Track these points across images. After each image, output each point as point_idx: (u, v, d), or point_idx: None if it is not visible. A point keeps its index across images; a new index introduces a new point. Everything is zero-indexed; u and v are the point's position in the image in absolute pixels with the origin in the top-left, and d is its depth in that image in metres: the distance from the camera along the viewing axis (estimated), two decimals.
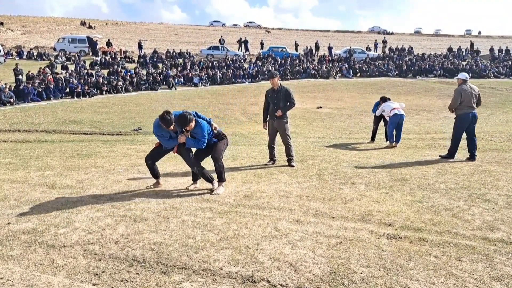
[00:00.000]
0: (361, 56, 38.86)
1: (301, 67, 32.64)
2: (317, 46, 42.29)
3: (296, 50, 42.01)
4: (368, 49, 44.11)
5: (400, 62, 35.56)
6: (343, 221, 4.39)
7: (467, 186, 5.80)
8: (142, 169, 6.89)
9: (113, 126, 14.82)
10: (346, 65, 34.52)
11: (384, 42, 46.47)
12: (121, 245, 3.75)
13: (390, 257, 3.52)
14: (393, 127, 9.99)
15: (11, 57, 34.71)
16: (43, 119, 16.12)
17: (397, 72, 33.89)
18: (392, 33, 68.64)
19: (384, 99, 10.52)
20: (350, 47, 40.85)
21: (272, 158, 7.40)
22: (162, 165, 7.00)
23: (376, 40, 48.29)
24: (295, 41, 44.52)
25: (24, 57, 35.26)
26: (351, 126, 15.21)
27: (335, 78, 31.70)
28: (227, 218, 4.44)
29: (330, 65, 34.43)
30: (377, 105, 10.86)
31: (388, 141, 10.14)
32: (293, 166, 7.09)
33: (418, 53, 41.30)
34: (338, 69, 33.61)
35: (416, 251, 3.64)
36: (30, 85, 21.42)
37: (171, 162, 7.48)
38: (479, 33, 70.92)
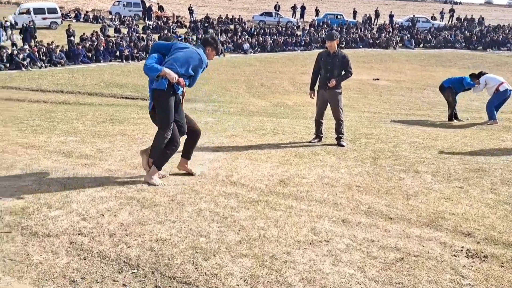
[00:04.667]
0: (425, 26, 35.78)
1: (357, 35, 30.53)
2: (377, 14, 39.48)
3: (354, 17, 39.48)
4: (434, 18, 40.62)
5: (469, 33, 32.37)
6: (405, 225, 3.35)
7: None
8: None
9: None
10: (408, 35, 31.89)
11: (451, 11, 42.60)
12: (115, 240, 2.97)
13: None
14: (497, 103, 8.91)
15: (68, 19, 35.16)
16: (89, 81, 15.88)
17: (465, 44, 30.90)
18: (460, 3, 63.24)
19: (479, 75, 9.14)
20: (414, 16, 37.75)
21: (318, 134, 6.36)
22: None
23: (442, 8, 44.42)
24: (354, 8, 41.86)
25: (81, 19, 35.67)
26: (411, 101, 13.67)
27: (395, 48, 29.35)
28: (254, 210, 3.55)
29: (390, 34, 31.96)
30: (460, 81, 9.28)
31: (490, 120, 8.96)
32: (342, 146, 6.03)
33: (490, 24, 37.48)
34: (399, 38, 31.12)
35: None
36: (81, 47, 21.39)
37: (204, 134, 6.64)
38: None
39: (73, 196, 3.76)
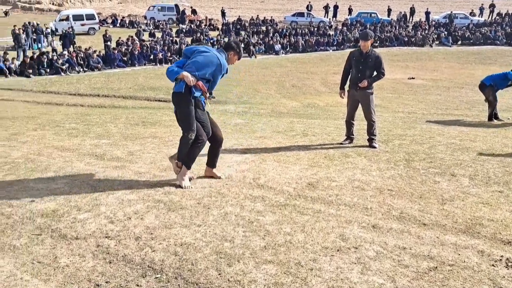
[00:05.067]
0: (464, 22, 34.56)
1: (392, 33, 29.83)
2: (412, 11, 38.45)
3: (389, 15, 38.64)
4: (473, 14, 39.15)
5: (511, 29, 30.97)
6: (440, 232, 3.19)
7: None
8: None
9: None
10: (445, 32, 30.88)
11: (492, 6, 40.88)
12: (141, 243, 2.98)
13: None
14: None
15: (106, 24, 36.20)
16: (124, 85, 16.27)
17: (506, 40, 29.59)
18: None
19: None
20: (451, 12, 36.53)
21: (349, 136, 6.20)
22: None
23: (482, 4, 42.74)
24: (388, 6, 40.97)
25: (118, 25, 36.65)
26: (448, 101, 13.19)
27: (431, 46, 28.48)
28: (280, 214, 3.47)
29: (427, 31, 31.05)
30: (503, 77, 8.89)
31: None
32: (375, 148, 5.85)
33: None
34: (436, 36, 30.18)
35: None
36: (117, 51, 21.97)
37: (233, 136, 6.63)
38: None
39: (102, 198, 3.82)
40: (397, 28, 32.05)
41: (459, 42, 29.93)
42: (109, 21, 37.34)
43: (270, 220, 3.34)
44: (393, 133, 6.98)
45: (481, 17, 39.36)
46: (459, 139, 6.47)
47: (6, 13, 38.14)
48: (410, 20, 37.42)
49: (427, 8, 38.56)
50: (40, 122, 8.33)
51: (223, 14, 37.62)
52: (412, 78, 18.03)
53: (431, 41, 29.08)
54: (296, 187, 4.14)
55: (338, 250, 2.87)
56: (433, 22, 34.28)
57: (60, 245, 2.97)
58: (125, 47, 22.95)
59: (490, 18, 38.26)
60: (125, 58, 21.87)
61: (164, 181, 4.34)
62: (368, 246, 2.93)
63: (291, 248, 2.89)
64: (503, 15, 37.23)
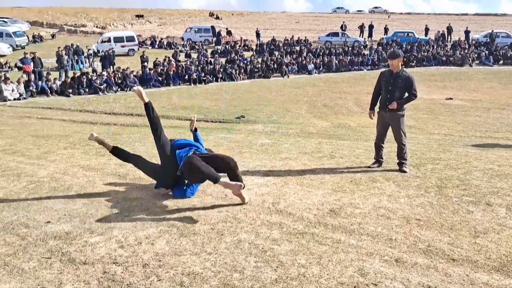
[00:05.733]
0: (506, 41, 33.30)
1: (430, 53, 29.12)
2: (450, 30, 37.49)
3: (426, 35, 37.86)
4: None
5: None
6: (470, 269, 2.90)
7: None
8: None
9: (218, 113, 14.50)
10: (486, 51, 29.84)
11: None
12: (148, 271, 2.86)
13: None
14: None
15: (145, 46, 37.42)
16: (157, 104, 16.53)
17: None
18: None
19: None
20: (492, 31, 35.35)
21: (378, 159, 5.94)
22: (247, 158, 6.09)
23: None
24: (426, 25, 40.18)
25: (156, 46, 37.81)
26: (488, 123, 12.57)
27: (471, 66, 27.54)
28: (297, 243, 3.28)
29: (466, 51, 30.13)
30: None
31: None
32: (405, 172, 5.55)
33: None
34: (476, 55, 29.21)
35: None
36: (153, 72, 22.54)
37: (257, 156, 6.50)
38: None
39: (116, 221, 3.76)
40: (435, 47, 31.32)
41: (501, 62, 28.84)
42: (148, 42, 38.58)
43: (285, 250, 3.15)
44: (426, 157, 6.64)
45: None
46: (497, 164, 6.05)
47: (53, 36, 40.24)
48: (449, 39, 36.52)
49: (467, 27, 37.56)
50: (72, 140, 8.52)
51: (257, 35, 38.08)
52: (450, 98, 17.40)
53: (470, 61, 28.17)
54: (317, 214, 3.93)
55: (355, 287, 2.65)
56: (473, 41, 33.28)
57: (67, 269, 2.91)
58: (161, 68, 23.54)
59: None
60: (161, 78, 22.40)
61: (179, 204, 4.25)
62: (388, 283, 2.69)
63: (304, 282, 2.70)
64: None
